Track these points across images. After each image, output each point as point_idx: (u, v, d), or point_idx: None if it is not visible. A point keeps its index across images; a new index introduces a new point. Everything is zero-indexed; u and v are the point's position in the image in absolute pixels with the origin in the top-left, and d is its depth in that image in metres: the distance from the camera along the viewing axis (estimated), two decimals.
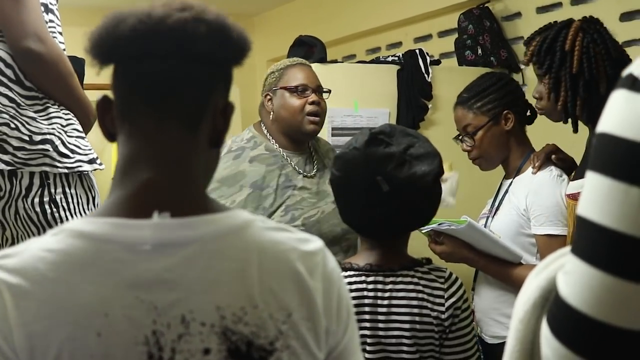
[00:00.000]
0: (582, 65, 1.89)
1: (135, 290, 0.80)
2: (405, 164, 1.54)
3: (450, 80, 3.09)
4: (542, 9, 3.31)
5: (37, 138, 1.65)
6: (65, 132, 1.70)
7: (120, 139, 0.89)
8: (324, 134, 2.83)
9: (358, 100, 2.92)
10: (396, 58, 3.10)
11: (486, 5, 3.46)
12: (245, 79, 4.87)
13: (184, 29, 0.84)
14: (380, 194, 1.52)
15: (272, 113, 2.29)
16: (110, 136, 0.91)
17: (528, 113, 2.25)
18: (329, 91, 2.36)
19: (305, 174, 2.28)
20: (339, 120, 2.87)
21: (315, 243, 0.91)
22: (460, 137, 2.24)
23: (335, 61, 3.17)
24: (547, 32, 1.99)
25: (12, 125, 1.63)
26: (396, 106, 3.03)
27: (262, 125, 2.34)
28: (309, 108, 2.24)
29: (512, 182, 2.18)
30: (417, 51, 3.11)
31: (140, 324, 0.80)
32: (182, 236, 0.82)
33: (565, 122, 2.00)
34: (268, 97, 2.30)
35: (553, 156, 2.11)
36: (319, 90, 2.29)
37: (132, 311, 0.79)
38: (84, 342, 0.78)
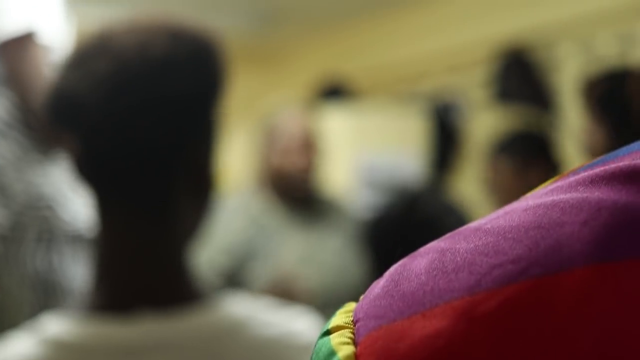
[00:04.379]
0: None
1: None
2: (439, 227, 1.49)
3: (482, 118, 3.02)
4: (581, 46, 3.22)
5: (40, 203, 1.64)
6: (68, 194, 1.68)
7: (96, 230, 0.84)
8: (353, 174, 2.76)
9: (388, 140, 2.86)
10: (427, 96, 3.03)
11: (523, 41, 3.38)
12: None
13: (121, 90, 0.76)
14: None
15: (264, 165, 2.22)
16: None
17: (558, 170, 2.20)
18: (322, 138, 2.27)
19: (299, 227, 2.16)
20: (367, 161, 2.82)
21: (309, 333, 0.85)
22: (484, 183, 2.26)
23: (363, 101, 3.12)
24: (605, 75, 1.94)
25: (15, 189, 1.62)
26: (427, 145, 2.96)
27: (261, 178, 2.27)
28: (296, 158, 2.14)
29: None
30: (449, 89, 3.04)
31: None
32: (171, 335, 0.77)
33: None
34: (259, 148, 2.24)
35: None
36: (308, 138, 2.19)
37: None
38: None
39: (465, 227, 0.32)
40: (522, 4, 3.34)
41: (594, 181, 0.29)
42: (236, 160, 2.91)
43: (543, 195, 0.31)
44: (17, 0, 1.58)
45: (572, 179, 0.30)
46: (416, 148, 2.97)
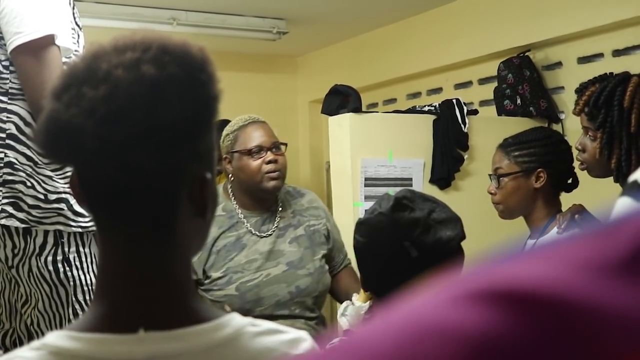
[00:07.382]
0: None
1: None
2: (430, 229, 1.53)
3: (487, 130, 3.06)
4: (583, 59, 3.27)
5: (52, 197, 1.66)
6: None
7: (97, 246, 0.85)
8: (357, 183, 2.81)
9: (392, 150, 2.90)
10: (432, 108, 3.08)
11: (526, 54, 3.43)
12: (286, 120, 4.90)
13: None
14: (406, 259, 1.50)
15: (231, 175, 2.33)
16: None
17: (569, 181, 2.19)
18: (286, 144, 2.38)
19: (260, 234, 2.29)
20: (372, 171, 2.85)
21: (305, 344, 0.89)
22: (491, 176, 2.23)
23: (370, 111, 3.17)
24: (602, 84, 1.94)
25: (28, 184, 1.65)
26: (431, 156, 3.00)
27: (228, 184, 2.37)
28: (266, 168, 2.26)
29: (535, 243, 2.13)
30: (454, 101, 3.09)
31: None
32: (171, 349, 0.78)
33: (616, 181, 1.96)
34: (227, 159, 2.34)
35: (576, 216, 2.06)
36: (274, 146, 2.31)
37: None
38: None
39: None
40: (527, 19, 3.39)
41: (462, 299, 0.30)
42: None
43: (417, 308, 0.31)
44: (34, 7, 1.60)
45: (448, 293, 0.31)
46: (421, 158, 3.01)
